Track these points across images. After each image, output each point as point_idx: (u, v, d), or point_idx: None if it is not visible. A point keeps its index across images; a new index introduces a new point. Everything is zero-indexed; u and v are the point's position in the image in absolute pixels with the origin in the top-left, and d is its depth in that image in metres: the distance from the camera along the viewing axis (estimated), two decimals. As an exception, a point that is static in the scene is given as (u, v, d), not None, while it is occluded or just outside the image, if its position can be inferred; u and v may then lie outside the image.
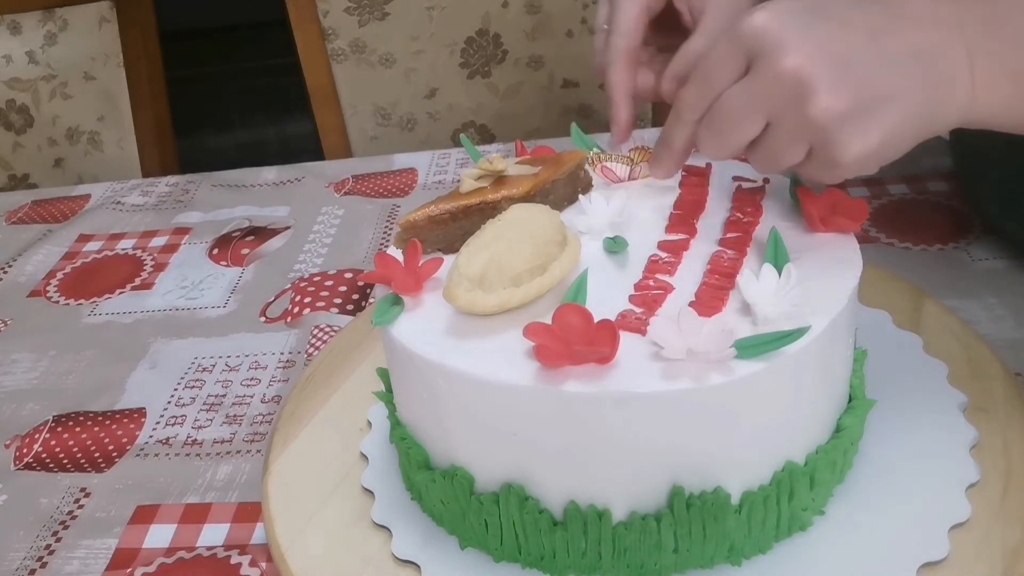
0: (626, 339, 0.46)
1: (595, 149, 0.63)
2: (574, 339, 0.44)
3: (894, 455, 0.55)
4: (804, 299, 0.47)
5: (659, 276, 0.51)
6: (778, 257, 0.50)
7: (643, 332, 0.47)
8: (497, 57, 1.29)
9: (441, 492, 0.51)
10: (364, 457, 0.60)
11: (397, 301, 0.52)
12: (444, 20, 1.26)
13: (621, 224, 0.56)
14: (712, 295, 0.49)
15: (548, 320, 0.45)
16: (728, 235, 0.55)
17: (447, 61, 1.29)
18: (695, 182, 0.60)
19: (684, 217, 0.57)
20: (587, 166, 0.60)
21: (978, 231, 0.79)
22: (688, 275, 0.51)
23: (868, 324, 0.62)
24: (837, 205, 0.54)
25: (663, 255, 0.53)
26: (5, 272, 0.94)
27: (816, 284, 0.49)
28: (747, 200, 0.58)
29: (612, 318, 0.47)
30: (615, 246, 0.54)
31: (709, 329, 0.44)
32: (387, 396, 0.56)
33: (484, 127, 1.34)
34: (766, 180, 0.59)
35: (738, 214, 0.56)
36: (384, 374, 0.57)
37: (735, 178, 0.60)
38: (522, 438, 0.47)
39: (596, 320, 0.45)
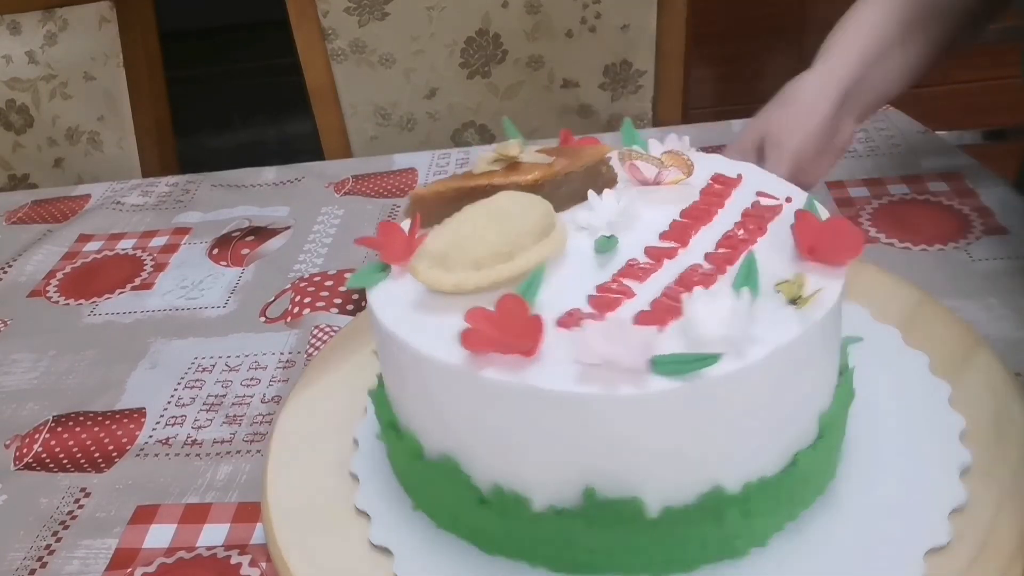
0: (561, 337, 0.46)
1: (635, 147, 0.61)
2: (505, 328, 0.45)
3: (865, 501, 0.53)
4: (750, 326, 0.45)
5: (626, 281, 0.51)
6: (746, 280, 0.49)
7: None
8: (497, 57, 1.29)
9: (398, 452, 0.55)
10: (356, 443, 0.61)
11: (384, 268, 0.54)
12: (444, 20, 1.26)
13: (620, 224, 0.55)
14: (664, 307, 0.48)
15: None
16: (718, 250, 0.53)
17: (447, 61, 1.29)
18: (717, 191, 0.59)
19: (684, 226, 0.56)
20: (616, 162, 0.59)
21: (978, 231, 0.79)
22: (656, 284, 0.51)
23: (902, 365, 0.61)
24: (834, 235, 0.50)
25: (643, 260, 0.53)
26: (5, 272, 0.94)
27: (778, 313, 0.47)
28: (755, 218, 0.56)
29: (559, 314, 0.48)
30: (605, 245, 0.54)
31: (631, 339, 0.44)
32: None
33: (484, 127, 1.34)
34: (788, 199, 0.57)
35: (739, 231, 0.55)
36: None
37: (759, 193, 0.58)
38: (452, 415, 0.49)
39: (533, 314, 0.46)
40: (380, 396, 0.57)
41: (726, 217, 0.56)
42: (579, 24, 1.26)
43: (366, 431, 0.61)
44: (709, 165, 0.62)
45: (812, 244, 0.51)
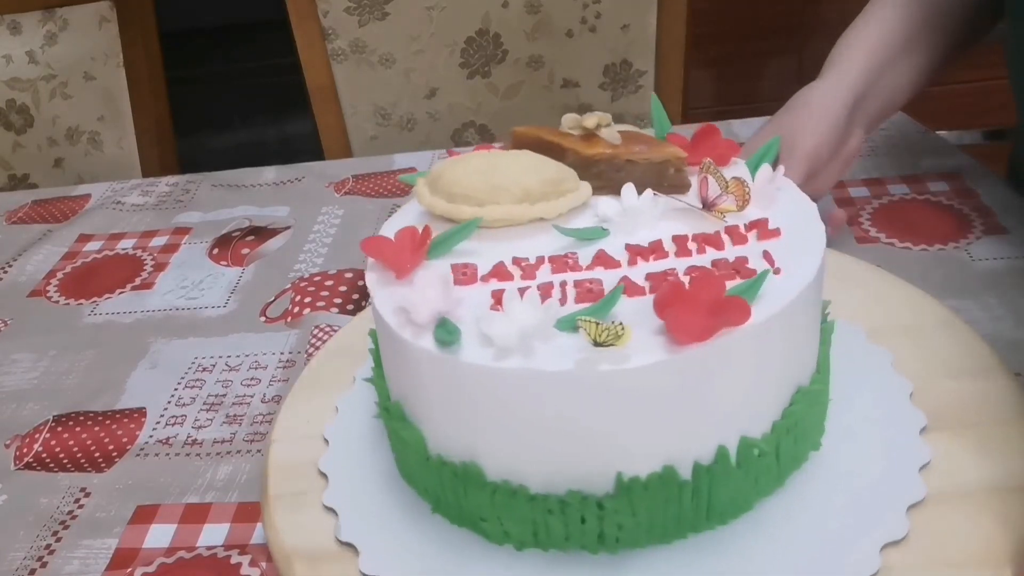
0: (445, 281, 0.49)
1: (734, 163, 0.59)
2: (408, 248, 0.53)
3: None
4: (542, 343, 0.46)
5: (543, 266, 0.52)
6: (599, 311, 0.47)
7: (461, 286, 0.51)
8: (497, 57, 1.29)
9: (381, 397, 0.57)
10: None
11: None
12: (444, 20, 1.26)
13: (619, 224, 0.55)
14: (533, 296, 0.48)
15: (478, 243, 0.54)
16: (638, 280, 0.49)
17: (447, 61, 1.29)
18: (733, 235, 0.53)
19: (653, 250, 0.52)
20: (699, 172, 0.56)
21: (978, 231, 0.79)
22: (553, 280, 0.50)
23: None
24: (703, 311, 0.45)
25: (582, 259, 0.52)
26: (5, 272, 0.94)
27: (581, 349, 0.45)
28: (710, 272, 0.50)
29: (462, 262, 0.53)
30: (586, 234, 0.54)
31: (430, 300, 0.48)
32: None
33: (484, 127, 1.34)
34: (776, 271, 0.49)
35: (679, 275, 0.50)
36: None
37: (764, 252, 0.51)
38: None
39: (428, 248, 0.54)
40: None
41: (700, 259, 0.51)
42: (579, 24, 1.26)
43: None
44: (777, 205, 0.56)
45: (666, 309, 0.45)
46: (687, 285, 0.46)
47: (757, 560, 0.49)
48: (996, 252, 0.76)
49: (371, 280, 0.53)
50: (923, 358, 0.61)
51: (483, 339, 0.46)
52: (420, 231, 0.53)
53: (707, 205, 0.55)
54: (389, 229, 0.57)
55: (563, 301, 0.49)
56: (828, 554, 0.49)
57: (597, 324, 0.44)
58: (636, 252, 0.52)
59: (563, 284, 0.50)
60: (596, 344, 0.44)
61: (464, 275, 0.52)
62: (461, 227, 0.54)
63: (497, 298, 0.49)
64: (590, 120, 0.58)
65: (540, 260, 0.52)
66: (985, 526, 0.50)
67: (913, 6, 0.80)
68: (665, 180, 0.57)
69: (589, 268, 0.52)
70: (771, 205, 0.56)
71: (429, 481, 0.53)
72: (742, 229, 0.53)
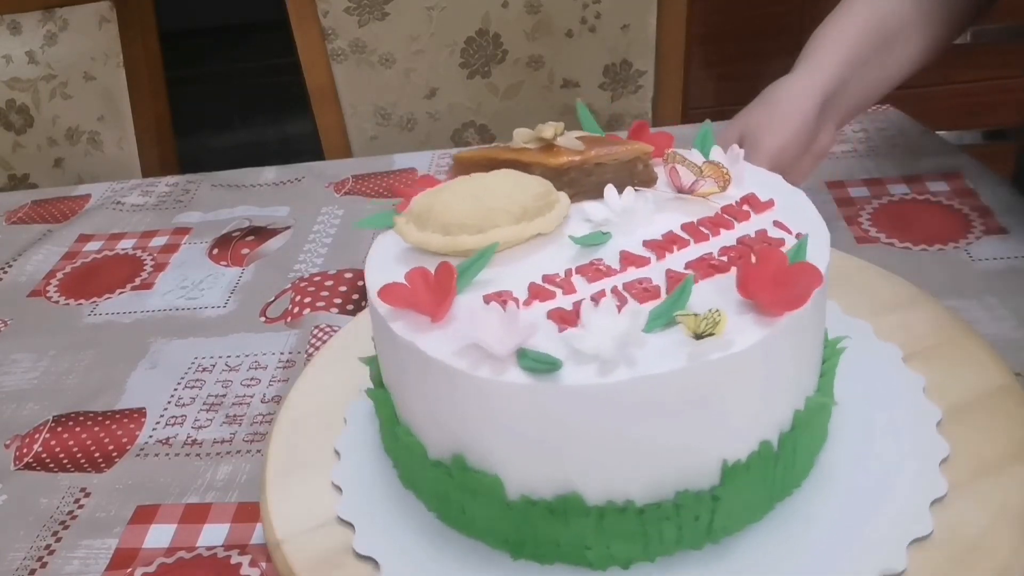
0: (479, 312, 0.47)
1: (692, 150, 0.60)
2: (429, 291, 0.49)
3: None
4: (638, 348, 0.45)
5: (576, 276, 0.51)
6: (675, 305, 0.47)
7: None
8: (497, 57, 1.29)
9: (379, 408, 0.57)
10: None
11: (389, 220, 0.57)
12: (444, 20, 1.26)
13: (619, 224, 0.55)
14: (580, 310, 0.47)
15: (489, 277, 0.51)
16: (683, 270, 0.51)
17: (447, 61, 1.29)
18: (735, 213, 0.55)
19: (674, 239, 0.53)
20: (661, 163, 0.58)
21: (978, 231, 0.79)
22: (600, 287, 0.50)
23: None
24: (780, 284, 0.47)
25: (609, 263, 0.52)
26: (5, 272, 0.94)
27: (678, 344, 0.45)
28: (744, 248, 0.52)
29: (493, 291, 0.50)
30: (593, 240, 0.54)
31: (508, 328, 0.45)
32: None
33: (484, 127, 1.34)
34: (798, 235, 0.53)
35: (721, 256, 0.52)
36: None
37: (776, 222, 0.54)
38: (386, 361, 0.55)
39: (459, 286, 0.50)
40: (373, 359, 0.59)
41: (724, 239, 0.54)
42: (579, 24, 1.26)
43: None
44: (753, 183, 0.58)
45: (751, 285, 0.47)
46: (755, 262, 0.48)
47: (796, 553, 0.50)
48: (996, 252, 0.76)
49: (401, 329, 0.49)
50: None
51: (578, 358, 0.45)
52: (434, 270, 0.49)
53: (687, 192, 0.57)
54: (380, 273, 0.53)
55: (620, 307, 0.47)
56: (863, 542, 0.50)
57: (696, 316, 0.45)
58: (656, 247, 0.53)
59: (613, 290, 0.50)
60: (697, 336, 0.45)
61: (506, 303, 0.48)
62: (479, 256, 0.51)
63: (560, 317, 0.48)
64: (548, 131, 0.57)
65: (569, 273, 0.51)
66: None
67: None
68: (635, 177, 0.58)
69: (622, 271, 0.51)
70: (743, 181, 0.58)
71: (505, 527, 0.50)
72: (738, 207, 0.56)
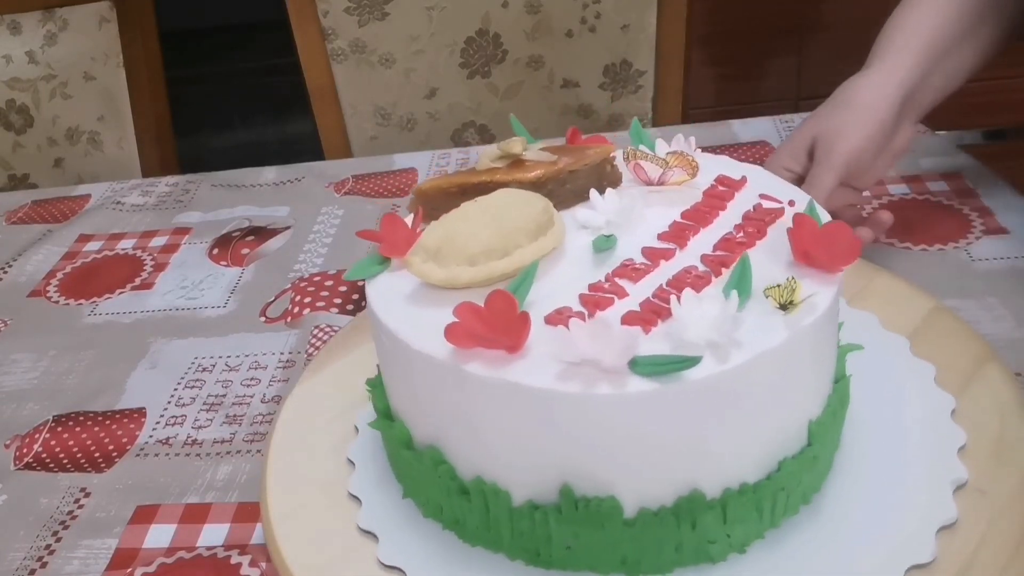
0: (548, 334, 0.46)
1: (642, 146, 0.61)
2: (492, 324, 0.46)
3: (849, 516, 0.52)
4: (734, 329, 0.45)
5: (619, 280, 0.51)
6: (739, 284, 0.48)
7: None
8: (497, 57, 1.29)
9: (390, 439, 0.55)
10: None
11: (383, 261, 0.55)
12: (444, 20, 1.26)
13: (620, 224, 0.55)
14: (653, 308, 0.48)
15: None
16: (715, 252, 0.53)
17: (447, 61, 1.29)
18: (720, 193, 0.58)
19: (683, 228, 0.55)
20: (622, 162, 0.60)
21: (978, 231, 0.79)
22: (648, 284, 0.50)
23: (906, 375, 0.60)
24: (830, 241, 0.50)
25: (639, 261, 0.53)
26: (5, 272, 0.94)
27: (768, 318, 0.47)
28: (755, 221, 0.55)
29: (548, 311, 0.48)
30: (603, 244, 0.54)
31: (614, 339, 0.44)
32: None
33: (484, 127, 1.34)
34: (791, 202, 0.57)
35: (738, 234, 0.54)
36: None
37: (761, 195, 0.58)
38: (436, 407, 0.50)
39: (522, 310, 0.46)
40: (377, 384, 0.58)
41: (727, 219, 0.56)
42: (579, 24, 1.26)
43: (366, 419, 0.62)
44: (714, 166, 0.61)
45: (807, 249, 0.50)
46: (792, 228, 0.51)
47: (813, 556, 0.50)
48: (996, 252, 0.76)
49: (480, 368, 0.46)
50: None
51: (716, 349, 0.45)
52: (485, 302, 0.46)
53: (658, 185, 0.59)
54: (400, 320, 0.50)
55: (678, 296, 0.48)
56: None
57: (779, 287, 0.47)
58: (673, 238, 0.54)
59: (668, 284, 0.50)
60: (782, 307, 0.47)
61: (572, 317, 0.48)
62: (524, 278, 0.50)
63: (638, 320, 0.47)
64: (516, 146, 0.56)
65: (608, 278, 0.51)
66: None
67: None
68: (604, 179, 0.59)
69: (655, 267, 0.52)
70: (702, 165, 0.60)
71: (624, 548, 0.49)
72: (716, 189, 0.59)
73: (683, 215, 0.57)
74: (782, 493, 0.50)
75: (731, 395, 0.46)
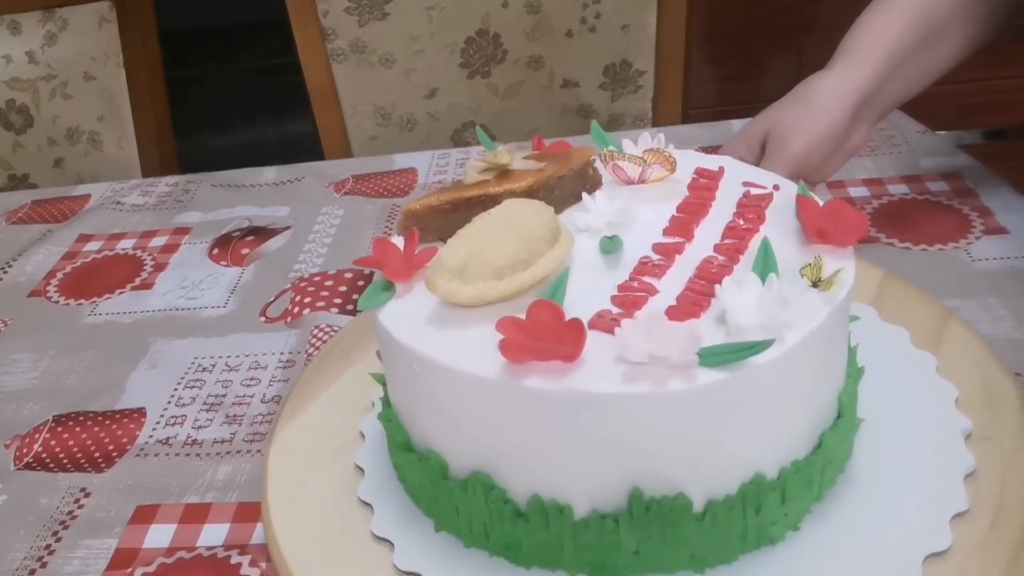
0: (596, 339, 0.46)
1: (611, 147, 0.62)
2: (542, 335, 0.45)
3: (881, 476, 0.54)
4: (783, 311, 0.46)
5: (645, 278, 0.51)
6: (766, 267, 0.49)
7: (613, 333, 0.46)
8: (497, 57, 1.29)
9: (418, 474, 0.53)
10: (363, 436, 0.61)
11: (388, 287, 0.53)
12: (444, 20, 1.26)
13: (620, 224, 0.56)
14: (692, 300, 0.49)
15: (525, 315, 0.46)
16: (725, 241, 0.54)
17: (447, 61, 1.29)
18: (704, 185, 0.60)
19: (684, 221, 0.56)
20: (599, 164, 0.60)
21: (978, 231, 0.79)
22: (675, 279, 0.51)
23: (884, 340, 0.62)
24: (837, 217, 0.52)
25: (655, 257, 0.53)
26: (5, 272, 0.94)
27: (802, 297, 0.48)
28: (751, 207, 0.57)
29: (588, 317, 0.47)
30: (610, 245, 0.54)
31: (676, 334, 0.44)
32: (381, 377, 0.58)
33: (484, 127, 1.34)
34: (775, 187, 0.59)
35: (739, 220, 0.56)
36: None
37: (745, 183, 0.59)
38: (488, 429, 0.48)
39: (568, 318, 0.45)
40: (390, 418, 0.55)
41: (721, 209, 0.57)
42: (579, 24, 1.26)
43: (369, 422, 0.62)
44: (690, 161, 0.62)
45: (821, 228, 0.52)
46: (801, 210, 0.53)
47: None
48: (996, 252, 0.76)
49: (537, 383, 0.44)
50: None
51: (767, 331, 0.45)
52: (527, 314, 0.46)
53: (639, 183, 0.60)
54: (432, 345, 0.48)
55: (714, 290, 0.49)
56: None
57: (811, 266, 0.49)
58: (675, 232, 0.55)
59: (697, 275, 0.51)
60: (814, 285, 0.49)
61: (614, 319, 0.48)
62: (557, 285, 0.49)
63: (681, 314, 0.47)
64: (505, 156, 0.56)
65: (634, 278, 0.51)
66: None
67: None
68: (587, 181, 0.59)
69: (672, 262, 0.52)
70: (680, 157, 0.61)
71: (695, 545, 0.49)
72: (700, 180, 0.60)
73: (679, 209, 0.58)
74: (831, 466, 0.52)
75: (789, 375, 0.46)
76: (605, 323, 0.47)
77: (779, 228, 0.54)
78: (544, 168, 0.56)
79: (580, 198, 0.58)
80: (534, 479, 0.48)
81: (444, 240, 0.54)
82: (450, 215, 0.54)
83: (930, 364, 0.61)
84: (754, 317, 0.45)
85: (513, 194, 0.54)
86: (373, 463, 0.59)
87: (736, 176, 0.60)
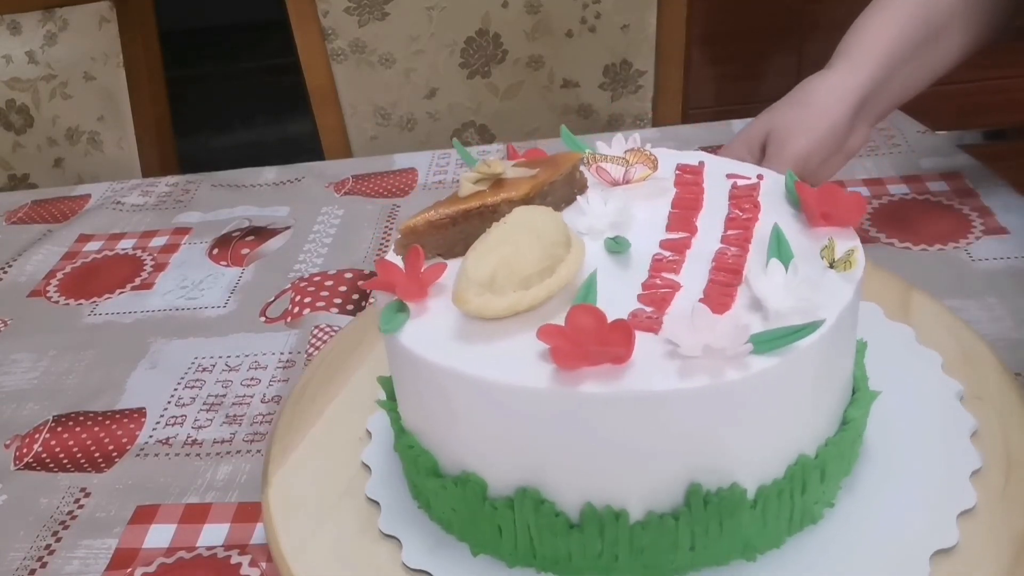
0: (639, 338, 0.45)
1: (587, 150, 0.63)
2: (588, 340, 0.44)
3: (896, 445, 0.56)
4: (812, 293, 0.47)
5: (665, 275, 0.51)
6: (781, 253, 0.50)
7: (655, 331, 0.47)
8: (497, 57, 1.29)
9: (452, 499, 0.51)
10: (366, 467, 0.59)
11: (402, 308, 0.51)
12: (444, 20, 1.26)
13: (621, 224, 0.56)
14: (720, 292, 0.49)
15: (557, 321, 0.45)
16: (729, 232, 0.55)
17: (447, 61, 1.29)
18: (690, 180, 0.61)
19: (683, 216, 0.57)
20: (582, 167, 0.61)
21: (978, 231, 0.79)
22: (693, 273, 0.51)
23: (861, 317, 0.63)
24: (835, 200, 0.54)
25: (666, 254, 0.53)
26: (5, 272, 0.94)
27: (823, 278, 0.49)
28: (744, 197, 0.58)
29: (623, 318, 0.47)
30: (617, 246, 0.54)
31: (723, 325, 0.44)
32: (390, 404, 0.56)
33: (484, 127, 1.34)
34: (759, 177, 0.60)
35: (736, 211, 0.57)
36: (385, 382, 0.57)
37: (729, 175, 0.60)
38: (537, 441, 0.47)
39: (609, 320, 0.45)
40: (411, 445, 0.53)
41: (714, 201, 0.58)
42: (579, 24, 1.26)
43: (371, 453, 0.60)
44: (668, 158, 0.63)
45: (825, 210, 0.53)
46: (802, 196, 0.54)
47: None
48: (996, 252, 0.76)
49: (593, 387, 0.44)
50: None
51: (803, 314, 0.46)
52: (569, 321, 0.45)
53: (624, 183, 0.60)
54: (467, 363, 0.46)
55: (738, 280, 0.50)
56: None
57: (826, 247, 0.50)
58: (677, 228, 0.56)
59: (716, 267, 0.51)
60: (831, 266, 0.50)
61: (652, 317, 0.48)
62: (588, 288, 0.49)
63: (713, 305, 0.47)
64: (498, 165, 0.56)
65: (654, 275, 0.51)
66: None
67: None
68: (575, 185, 0.59)
69: (683, 257, 0.53)
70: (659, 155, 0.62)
71: (751, 536, 0.49)
72: (685, 176, 0.61)
73: (674, 205, 0.58)
74: (858, 440, 0.53)
75: (828, 353, 0.48)
76: (643, 322, 0.47)
77: (777, 215, 0.55)
78: (537, 174, 0.56)
79: (570, 202, 0.58)
80: (586, 487, 0.47)
81: (443, 255, 0.54)
82: (449, 229, 0.54)
83: (908, 335, 0.64)
84: (789, 302, 0.47)
85: (511, 202, 0.54)
86: (378, 462, 0.59)
87: (717, 169, 0.61)
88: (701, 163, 0.62)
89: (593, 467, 0.47)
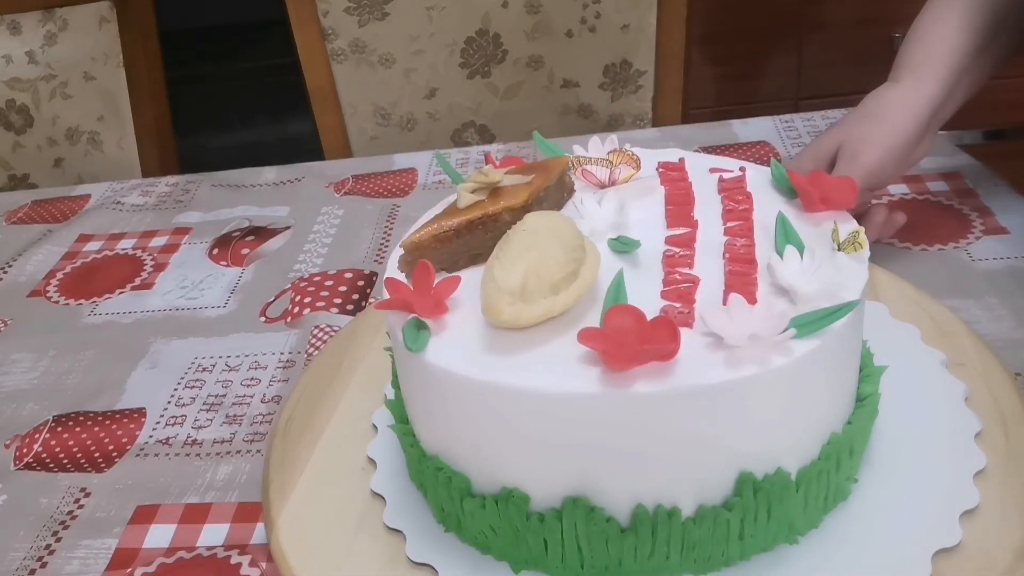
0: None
1: (563, 153, 0.63)
2: (632, 339, 0.44)
3: (901, 415, 0.57)
4: (835, 275, 0.49)
5: (681, 270, 0.51)
6: (790, 239, 0.51)
7: (690, 325, 0.47)
8: (497, 57, 1.29)
9: (490, 518, 0.50)
10: (376, 496, 0.57)
11: (422, 325, 0.49)
12: (444, 20, 1.26)
13: (621, 224, 0.56)
14: (742, 281, 0.50)
15: (584, 324, 0.45)
16: (730, 224, 0.55)
17: (447, 61, 1.29)
18: (676, 177, 0.61)
19: (680, 211, 0.57)
20: (573, 171, 0.61)
21: (978, 231, 0.79)
22: (707, 266, 0.52)
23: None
24: (826, 184, 0.55)
25: (676, 250, 0.53)
26: (5, 272, 0.94)
27: (834, 260, 0.50)
28: (734, 189, 0.58)
29: (655, 314, 0.47)
30: (624, 246, 0.54)
31: (760, 313, 0.45)
32: (403, 428, 0.54)
33: (484, 127, 1.34)
34: (742, 169, 0.61)
35: (731, 203, 0.57)
36: (395, 407, 0.56)
37: (712, 169, 0.61)
38: (586, 448, 0.46)
39: (653, 317, 0.45)
40: (440, 467, 0.51)
41: (705, 195, 0.59)
42: (579, 24, 1.26)
43: (379, 481, 0.59)
44: (649, 156, 0.64)
45: (823, 196, 0.55)
46: (798, 184, 0.56)
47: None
48: (996, 252, 0.76)
49: (646, 387, 0.43)
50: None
51: (829, 296, 0.47)
52: (606, 323, 0.45)
53: (611, 184, 0.61)
54: (506, 375, 0.45)
55: (754, 269, 0.51)
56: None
57: (834, 231, 0.52)
58: (678, 224, 0.56)
59: (730, 259, 0.52)
60: (839, 248, 0.51)
61: (683, 312, 0.48)
62: (616, 288, 0.49)
63: (739, 290, 0.48)
64: (495, 174, 0.55)
65: (671, 271, 0.51)
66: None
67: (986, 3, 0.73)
68: (565, 189, 0.60)
69: (692, 252, 0.53)
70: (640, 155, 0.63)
71: (795, 518, 0.50)
72: (670, 173, 0.62)
73: (668, 202, 0.59)
74: (875, 414, 0.54)
75: (855, 332, 0.50)
76: (676, 317, 0.47)
77: (770, 203, 0.56)
78: (532, 180, 0.56)
79: (561, 206, 0.59)
80: (636, 489, 0.47)
81: (446, 269, 0.53)
82: (453, 241, 0.53)
83: (883, 311, 0.65)
84: (815, 285, 0.48)
85: (512, 210, 0.54)
86: (390, 489, 0.57)
87: (697, 165, 0.62)
88: (681, 159, 0.63)
89: (644, 467, 0.46)
